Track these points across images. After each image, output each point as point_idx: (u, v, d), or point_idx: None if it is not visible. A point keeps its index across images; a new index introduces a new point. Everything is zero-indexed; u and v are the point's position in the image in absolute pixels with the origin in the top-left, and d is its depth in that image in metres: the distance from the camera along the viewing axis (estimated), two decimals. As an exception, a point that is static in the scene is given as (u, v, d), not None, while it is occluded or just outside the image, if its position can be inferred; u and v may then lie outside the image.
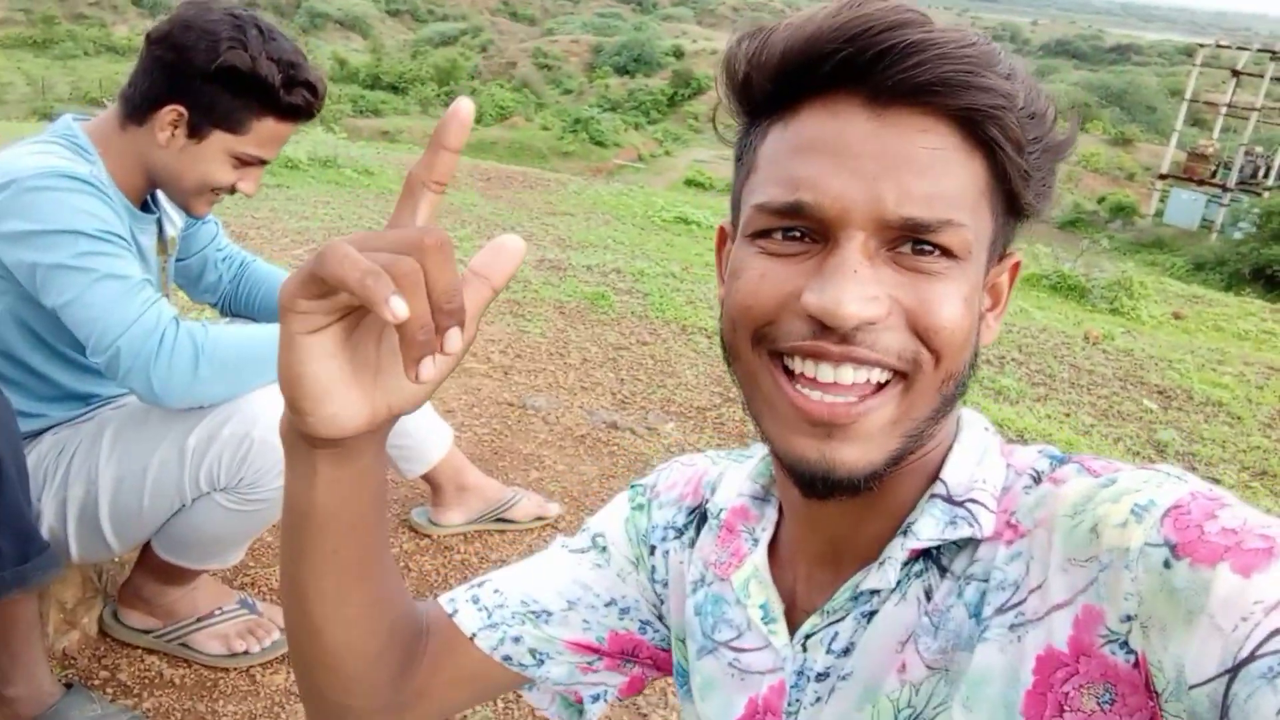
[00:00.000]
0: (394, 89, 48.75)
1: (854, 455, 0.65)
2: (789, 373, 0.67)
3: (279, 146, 1.73)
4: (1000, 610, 0.64)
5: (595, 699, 0.95)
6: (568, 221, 7.36)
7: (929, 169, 0.63)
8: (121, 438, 1.65)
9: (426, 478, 2.32)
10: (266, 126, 1.67)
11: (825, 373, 0.64)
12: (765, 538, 0.84)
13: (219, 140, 1.65)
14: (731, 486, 0.89)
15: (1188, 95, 37.47)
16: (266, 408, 1.60)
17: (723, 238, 0.80)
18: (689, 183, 32.17)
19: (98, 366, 1.56)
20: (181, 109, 1.62)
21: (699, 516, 0.91)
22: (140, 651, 1.87)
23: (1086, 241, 11.59)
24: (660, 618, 0.93)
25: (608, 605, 0.92)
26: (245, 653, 1.87)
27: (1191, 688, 0.52)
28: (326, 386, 0.61)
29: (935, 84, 0.62)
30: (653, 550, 0.92)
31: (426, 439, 2.26)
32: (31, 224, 1.51)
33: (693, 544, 0.90)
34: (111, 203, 1.59)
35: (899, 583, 0.71)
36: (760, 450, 0.87)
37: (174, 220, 1.91)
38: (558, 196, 8.63)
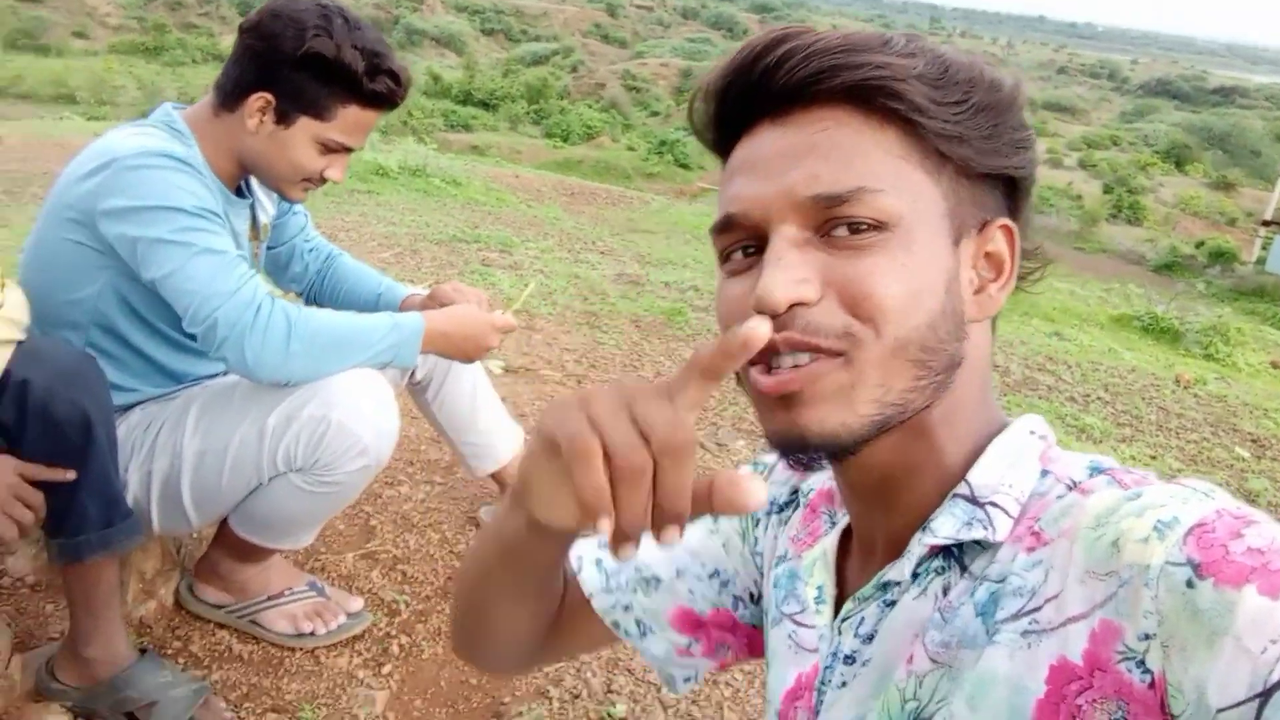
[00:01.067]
0: (485, 105, 49.59)
1: (817, 417, 0.67)
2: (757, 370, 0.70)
3: (365, 134, 1.77)
4: (1015, 616, 0.64)
5: (687, 680, 1.00)
6: (648, 239, 7.40)
7: (831, 149, 0.67)
8: (206, 414, 1.70)
9: (495, 476, 2.34)
10: (351, 113, 1.71)
11: (785, 361, 0.67)
12: (843, 522, 0.86)
13: (305, 126, 1.70)
14: (824, 473, 0.91)
15: (1295, 140, 36.04)
16: (346, 392, 1.64)
17: None
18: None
19: (195, 337, 1.61)
20: (269, 96, 1.67)
21: (794, 503, 0.94)
22: (212, 625, 1.92)
23: (1182, 285, 11.24)
24: (753, 597, 0.96)
25: (711, 577, 0.96)
26: (311, 634, 1.90)
27: (1219, 711, 0.51)
28: (552, 500, 0.63)
29: (812, 76, 0.67)
30: (757, 523, 0.96)
31: (497, 438, 2.28)
32: (132, 200, 1.57)
33: (786, 521, 0.93)
34: (206, 182, 1.65)
35: (918, 576, 0.72)
36: None
37: (266, 208, 1.97)
38: (640, 214, 8.69)
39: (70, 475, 1.46)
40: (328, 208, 6.08)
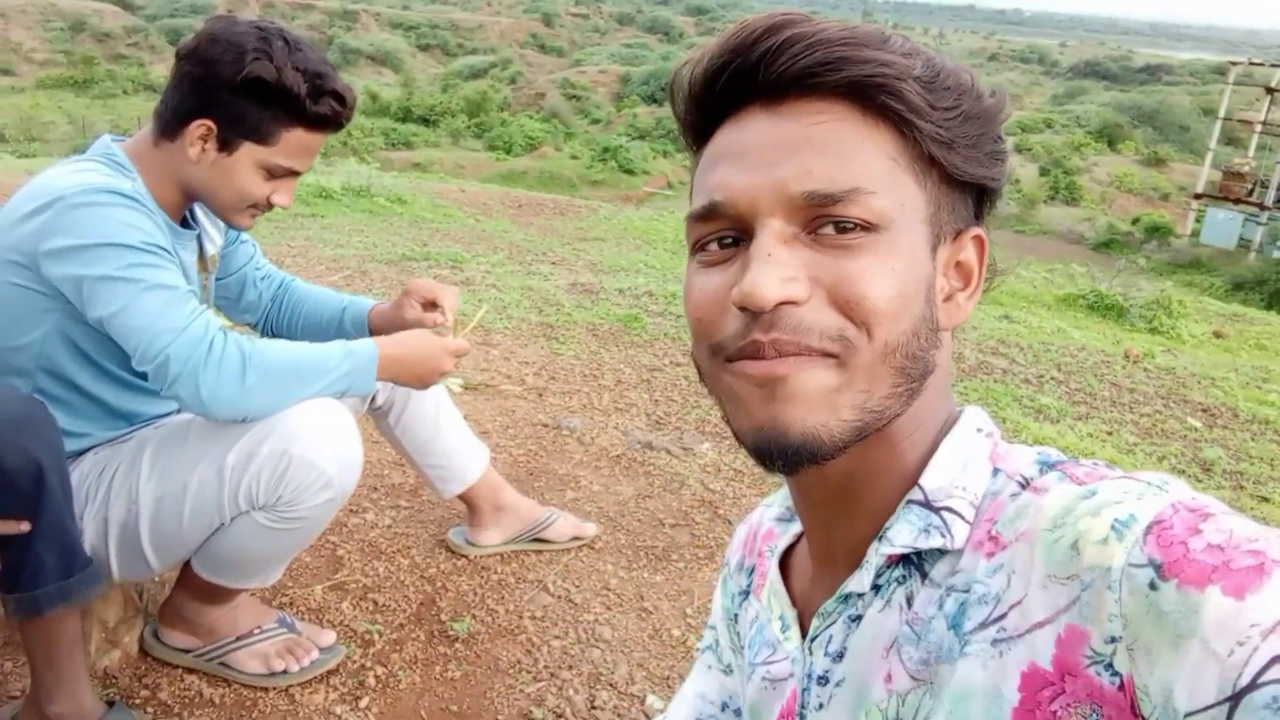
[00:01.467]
0: (425, 121, 49.38)
1: (799, 414, 0.64)
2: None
3: (310, 157, 1.73)
4: (982, 625, 0.63)
5: None
6: (599, 247, 7.39)
7: (826, 145, 0.65)
8: (161, 456, 1.66)
9: (463, 497, 2.31)
10: (295, 137, 1.67)
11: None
12: (781, 546, 0.86)
13: (249, 152, 1.66)
14: (765, 519, 0.92)
15: (1221, 114, 37.02)
16: (306, 425, 1.60)
17: None
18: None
19: (145, 376, 1.57)
20: (210, 123, 1.63)
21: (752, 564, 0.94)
22: (181, 671, 1.86)
23: (1123, 261, 11.48)
24: None
25: (723, 710, 0.97)
26: (284, 671, 1.86)
27: (1187, 715, 0.50)
28: None
29: (814, 67, 0.65)
30: (735, 619, 0.95)
31: (462, 458, 2.25)
32: (77, 239, 1.52)
33: (748, 593, 0.92)
34: (154, 217, 1.60)
35: (880, 588, 0.71)
36: None
37: (214, 238, 1.93)
38: (589, 223, 8.68)
39: (25, 527, 1.41)
40: (272, 233, 5.99)
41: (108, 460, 1.71)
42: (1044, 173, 44.71)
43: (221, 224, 1.95)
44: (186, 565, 1.79)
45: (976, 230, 0.73)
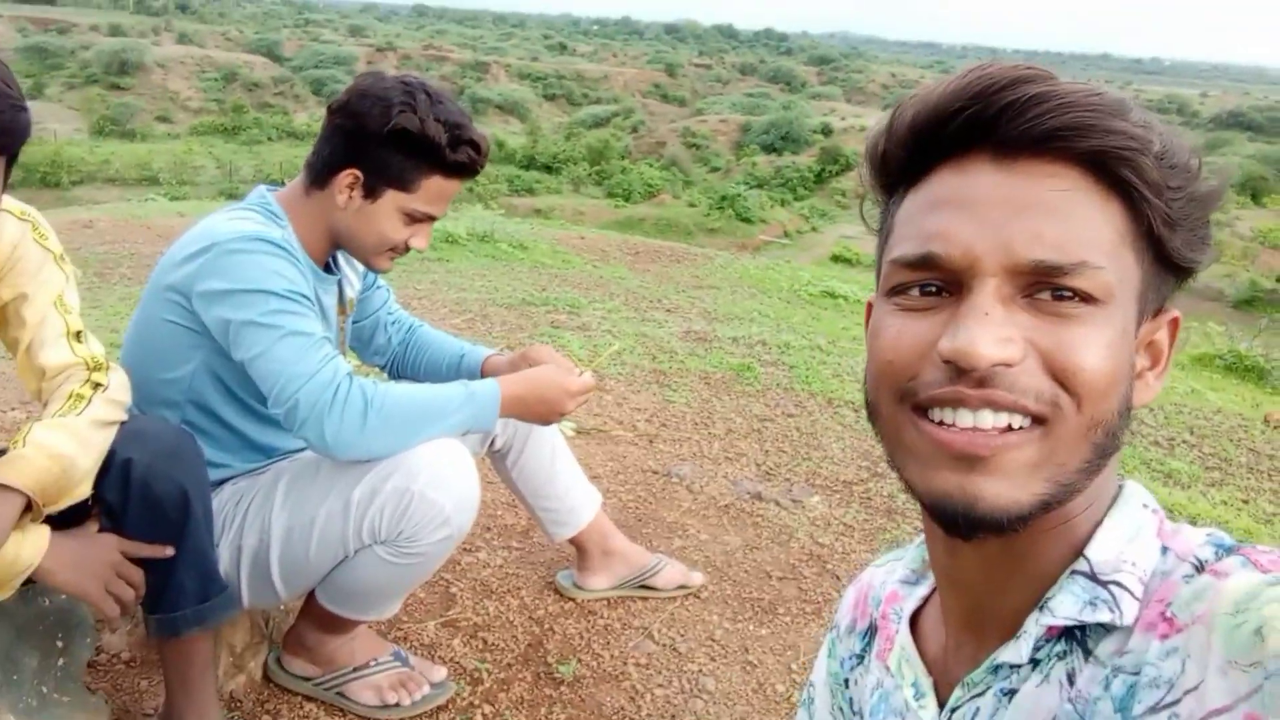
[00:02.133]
0: (548, 169, 50.64)
1: (995, 490, 0.64)
2: (930, 422, 0.67)
3: (446, 203, 1.83)
4: (1153, 710, 0.60)
5: None
6: (713, 295, 7.42)
7: (1058, 212, 0.64)
8: (293, 489, 1.75)
9: (573, 541, 2.35)
10: (435, 184, 1.78)
11: (964, 417, 0.65)
12: (908, 609, 0.84)
13: (392, 199, 1.77)
14: (889, 581, 0.90)
15: (1378, 167, 34.90)
16: (428, 464, 1.67)
17: (870, 312, 0.82)
18: (835, 258, 31.99)
19: (278, 417, 1.67)
20: (357, 172, 1.75)
21: (871, 632, 0.91)
22: (300, 698, 1.94)
23: (1265, 320, 10.88)
24: None
25: None
26: (396, 705, 1.92)
27: None
28: None
29: (1061, 130, 0.63)
30: (846, 684, 0.93)
31: (576, 503, 2.30)
32: (228, 283, 1.64)
33: (867, 659, 0.91)
34: (299, 264, 1.72)
35: (1039, 662, 0.69)
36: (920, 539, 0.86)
37: (353, 283, 2.04)
38: (704, 270, 8.72)
39: (169, 552, 1.51)
40: (400, 276, 6.23)
41: (244, 491, 1.81)
42: (1181, 226, 42.82)
43: (360, 269, 2.06)
44: (310, 595, 1.87)
45: (1174, 312, 0.72)
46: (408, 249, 1.84)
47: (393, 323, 2.23)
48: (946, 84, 0.68)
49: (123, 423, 1.50)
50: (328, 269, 1.92)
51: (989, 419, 0.64)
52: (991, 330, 0.63)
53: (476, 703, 2.00)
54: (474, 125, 1.80)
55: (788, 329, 6.04)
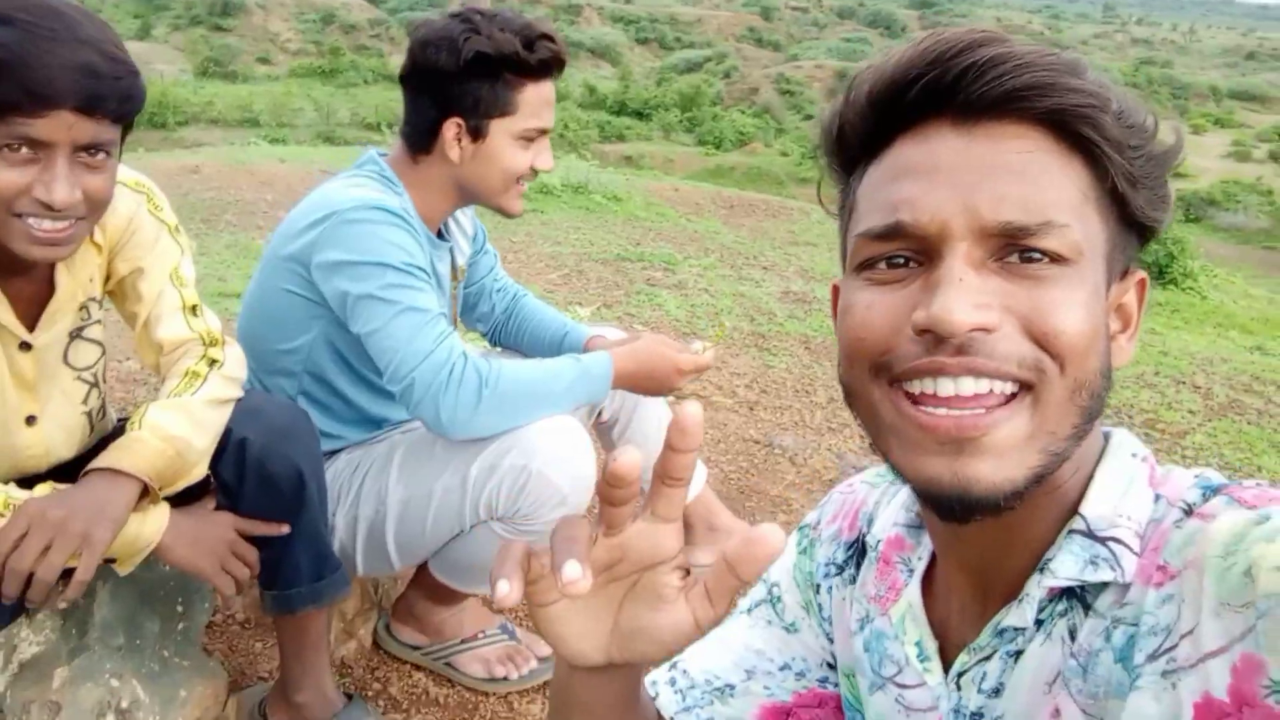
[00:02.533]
0: (639, 115, 50.22)
1: (987, 470, 0.63)
2: (910, 396, 0.66)
3: (550, 109, 1.77)
4: (1152, 657, 0.60)
5: None
6: (810, 252, 7.26)
7: (1023, 173, 0.63)
8: (410, 462, 1.73)
9: None
10: (530, 93, 1.72)
11: (945, 386, 0.63)
12: (920, 569, 0.83)
13: (499, 128, 1.72)
14: (888, 516, 0.88)
15: None
16: (544, 441, 1.63)
17: (836, 295, 0.80)
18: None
19: (394, 393, 1.65)
20: (458, 119, 1.71)
21: (858, 550, 0.90)
22: (409, 667, 1.95)
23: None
24: (830, 665, 0.93)
25: (782, 670, 0.94)
26: (504, 678, 1.91)
27: None
28: (562, 634, 0.68)
29: (1020, 90, 0.63)
30: (818, 589, 0.92)
31: None
32: (346, 254, 1.62)
33: (854, 580, 0.89)
34: (416, 235, 1.69)
35: (1042, 621, 0.69)
36: None
37: (463, 249, 2.01)
38: (800, 226, 8.54)
39: (284, 529, 1.51)
40: (494, 229, 6.22)
41: (360, 460, 1.80)
42: (1303, 183, 40.69)
43: (469, 234, 2.03)
44: (422, 566, 1.87)
45: (1141, 273, 0.72)
46: (535, 174, 1.79)
47: (498, 290, 2.19)
48: (901, 52, 0.67)
49: (238, 399, 1.49)
50: (440, 236, 1.88)
51: (970, 385, 0.63)
52: (967, 296, 0.62)
53: (582, 680, 1.98)
54: (536, 19, 1.76)
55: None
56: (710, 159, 41.94)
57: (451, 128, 1.72)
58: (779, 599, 0.95)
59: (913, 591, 0.81)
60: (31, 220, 1.20)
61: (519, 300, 2.23)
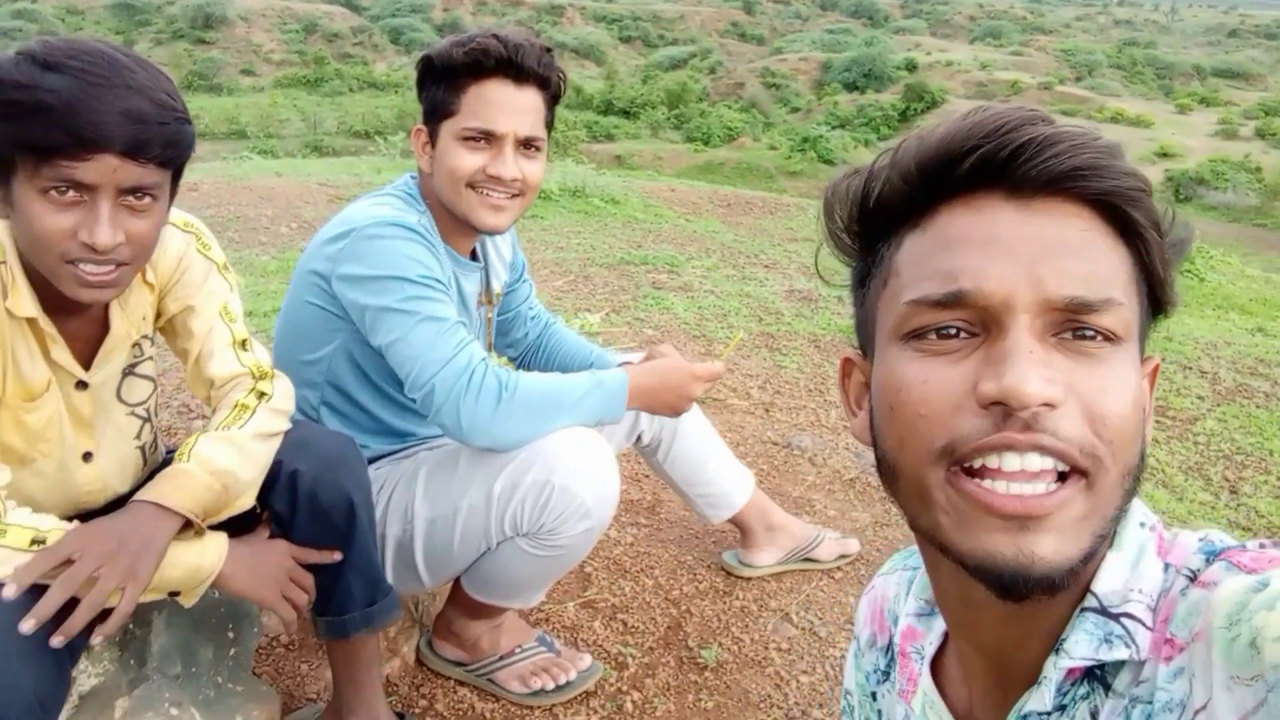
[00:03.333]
0: (626, 114, 50.24)
1: (1051, 548, 0.62)
2: (969, 471, 0.64)
3: (497, 110, 1.72)
4: None
5: None
6: (810, 248, 7.28)
7: (1083, 250, 0.64)
8: (435, 480, 1.76)
9: (734, 521, 2.37)
10: (471, 93, 1.72)
11: (1011, 461, 0.62)
12: (929, 653, 0.83)
13: (446, 130, 1.75)
14: (902, 608, 0.90)
15: None
16: (567, 456, 1.65)
17: (848, 369, 0.81)
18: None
19: (414, 402, 1.68)
20: (420, 127, 1.78)
21: (891, 651, 0.91)
22: (453, 683, 1.97)
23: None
24: None
25: None
26: (542, 690, 1.93)
27: None
28: None
29: (1077, 170, 0.64)
30: (874, 697, 0.93)
31: (730, 485, 2.31)
32: (365, 269, 1.66)
33: (893, 681, 0.90)
34: (434, 249, 1.73)
35: (1065, 706, 0.68)
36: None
37: (500, 274, 2.03)
38: (798, 222, 8.57)
39: (337, 556, 1.53)
40: (497, 236, 6.24)
41: (386, 478, 1.82)
42: (1290, 160, 40.79)
43: (507, 260, 2.06)
44: (457, 582, 1.89)
45: (1155, 358, 0.73)
46: (495, 180, 1.74)
47: (532, 317, 2.22)
48: (950, 124, 0.68)
49: (287, 431, 1.52)
50: (473, 257, 1.91)
51: (1036, 461, 0.62)
52: (1039, 369, 0.62)
53: (624, 688, 2.01)
54: (504, 29, 1.76)
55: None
56: (700, 155, 41.97)
57: (418, 136, 1.79)
58: (853, 709, 0.98)
59: (926, 680, 0.82)
60: (80, 264, 1.22)
61: (549, 328, 2.26)
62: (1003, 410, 0.62)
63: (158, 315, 1.50)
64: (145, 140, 1.20)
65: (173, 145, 1.24)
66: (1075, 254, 0.64)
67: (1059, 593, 0.64)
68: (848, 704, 0.99)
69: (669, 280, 5.46)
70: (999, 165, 0.66)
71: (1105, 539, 0.65)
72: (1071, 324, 0.64)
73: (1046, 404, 0.61)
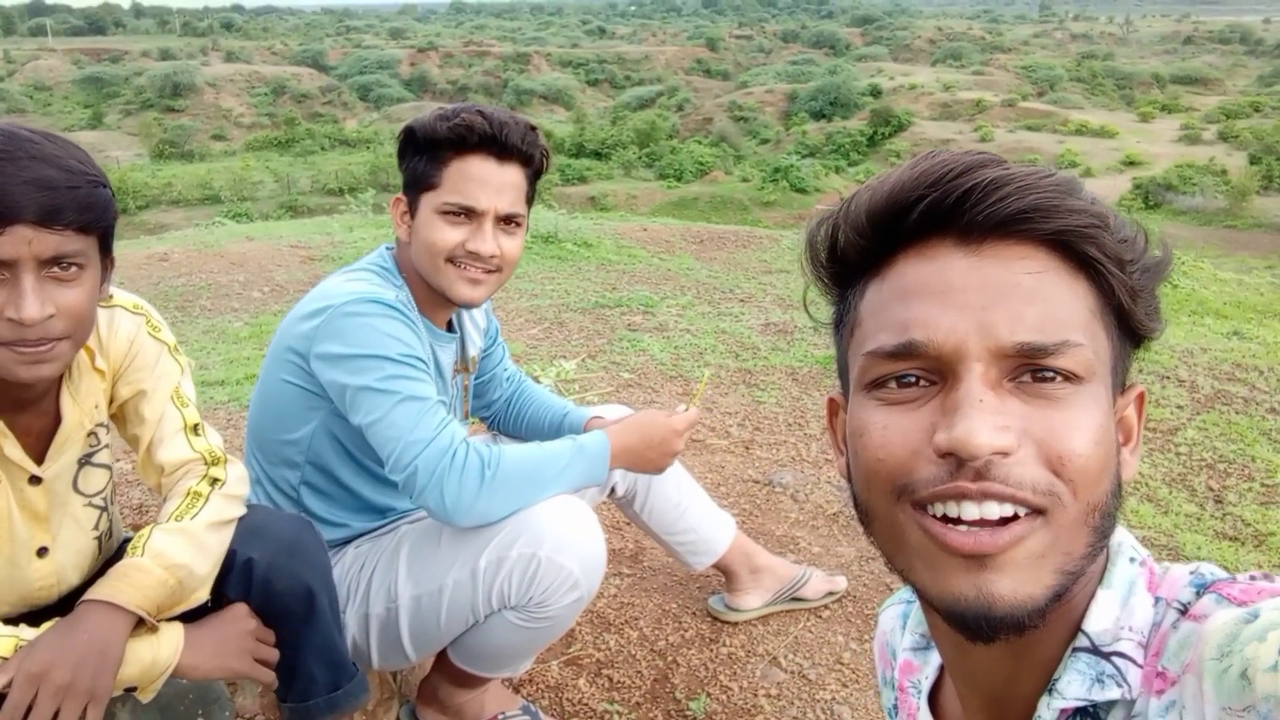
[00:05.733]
0: (597, 155, 50.57)
1: (1009, 587, 0.63)
2: (935, 518, 0.66)
3: (478, 187, 1.71)
4: None
5: None
6: (785, 279, 7.30)
7: (1035, 293, 0.64)
8: (417, 558, 1.72)
9: (718, 566, 2.34)
10: (453, 167, 1.71)
11: (969, 510, 0.63)
12: (926, 687, 0.84)
13: (426, 203, 1.73)
14: (900, 643, 0.91)
15: None
16: (551, 527, 1.63)
17: (834, 409, 0.82)
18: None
19: (396, 483, 1.65)
20: (401, 196, 1.77)
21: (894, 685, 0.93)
22: (436, 754, 1.92)
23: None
24: None
25: None
26: (524, 755, 1.89)
27: None
28: None
29: (1025, 212, 0.64)
30: None
31: (711, 531, 2.28)
32: (344, 347, 1.63)
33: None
34: (414, 325, 1.70)
35: None
36: None
37: (475, 341, 2.02)
38: (771, 254, 8.59)
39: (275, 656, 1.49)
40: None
41: (367, 556, 1.79)
42: (1254, 161, 41.42)
43: (482, 327, 2.05)
44: (443, 651, 1.85)
45: (1140, 386, 0.72)
46: (474, 256, 1.72)
47: (506, 379, 2.21)
48: (898, 174, 0.69)
49: (241, 517, 1.48)
50: (450, 328, 1.89)
51: (994, 510, 0.63)
52: (988, 418, 0.62)
53: (612, 749, 1.96)
54: (492, 107, 1.76)
55: (867, 312, 5.91)
56: (673, 191, 42.23)
57: (397, 205, 1.77)
58: None
59: (923, 715, 0.83)
60: (14, 346, 1.19)
61: (520, 385, 2.24)
62: (956, 459, 0.63)
63: (110, 401, 1.47)
64: (57, 206, 1.17)
65: (88, 209, 1.21)
66: (1027, 298, 0.64)
67: (1028, 632, 0.64)
68: None
69: (644, 321, 5.45)
70: (946, 212, 0.66)
71: (1076, 577, 0.65)
72: (1028, 367, 0.64)
73: (999, 453, 0.62)
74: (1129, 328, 0.69)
